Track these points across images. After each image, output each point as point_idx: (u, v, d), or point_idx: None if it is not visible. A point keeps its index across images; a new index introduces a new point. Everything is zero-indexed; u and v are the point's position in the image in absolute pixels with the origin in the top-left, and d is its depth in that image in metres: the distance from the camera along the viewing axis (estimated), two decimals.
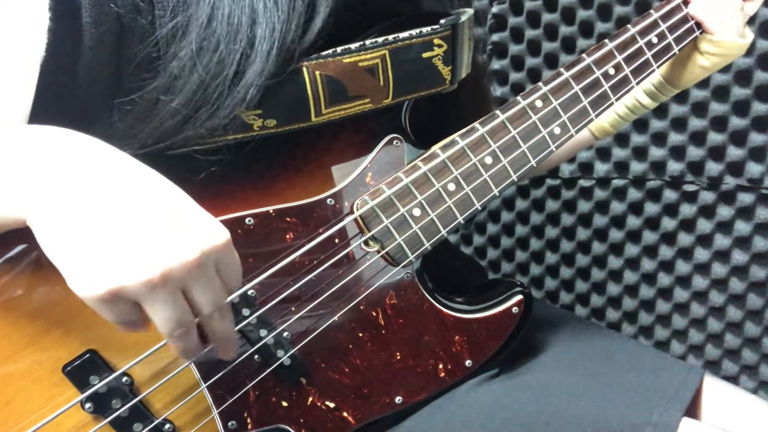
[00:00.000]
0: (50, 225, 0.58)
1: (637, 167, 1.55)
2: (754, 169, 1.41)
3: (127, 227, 0.58)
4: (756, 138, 1.39)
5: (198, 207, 0.63)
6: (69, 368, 0.68)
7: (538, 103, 0.86)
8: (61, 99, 0.69)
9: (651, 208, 1.56)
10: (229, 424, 0.75)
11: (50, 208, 0.58)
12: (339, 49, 0.77)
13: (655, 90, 1.05)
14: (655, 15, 0.93)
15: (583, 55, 0.89)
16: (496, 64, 1.70)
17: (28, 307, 0.67)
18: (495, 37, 1.68)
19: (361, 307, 0.81)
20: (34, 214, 0.58)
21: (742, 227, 1.45)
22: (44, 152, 0.60)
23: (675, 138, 1.49)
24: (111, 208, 0.58)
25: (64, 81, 0.68)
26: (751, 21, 1.27)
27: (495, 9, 1.66)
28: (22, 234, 0.60)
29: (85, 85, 0.69)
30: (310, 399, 0.80)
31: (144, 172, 0.62)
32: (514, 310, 0.87)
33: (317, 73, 0.75)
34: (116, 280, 0.57)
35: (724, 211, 1.47)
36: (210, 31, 0.70)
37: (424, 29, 0.81)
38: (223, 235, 0.63)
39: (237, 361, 0.74)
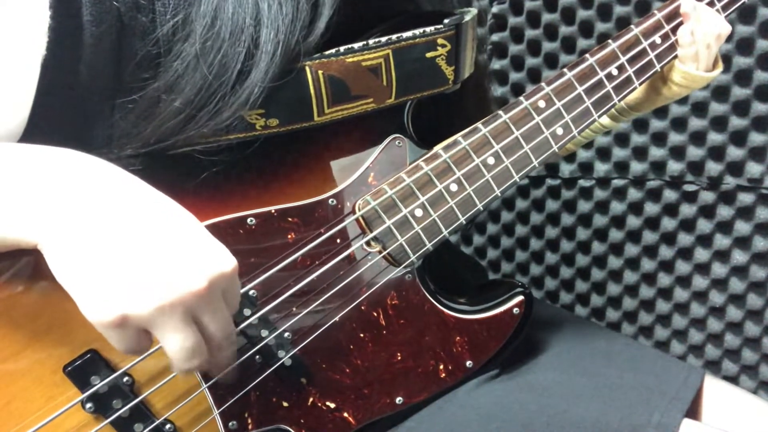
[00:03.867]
0: (62, 251, 0.58)
1: (637, 167, 1.55)
2: (754, 169, 1.40)
3: (138, 254, 0.59)
4: (756, 138, 1.39)
5: (207, 233, 0.64)
6: (70, 368, 0.68)
7: (541, 104, 0.86)
8: (62, 97, 0.69)
9: (651, 208, 1.56)
10: (230, 424, 0.75)
11: (62, 235, 0.58)
12: (342, 49, 0.76)
13: (616, 112, 1.02)
14: (658, 15, 0.93)
15: (587, 55, 0.89)
16: (496, 64, 1.70)
17: (28, 306, 0.67)
18: (495, 37, 1.68)
19: (363, 308, 0.81)
20: (46, 240, 0.59)
21: (742, 227, 1.44)
22: (57, 176, 0.60)
23: (675, 138, 1.48)
24: (122, 234, 0.59)
25: (65, 79, 0.68)
26: (750, 20, 1.27)
27: (495, 9, 1.66)
28: None
29: (86, 83, 0.69)
30: (311, 399, 0.80)
31: (154, 196, 0.63)
32: (515, 310, 0.87)
33: (320, 72, 0.75)
34: (126, 306, 0.58)
35: (724, 211, 1.46)
36: (214, 31, 0.71)
37: (428, 29, 0.81)
38: (231, 262, 0.63)
39: (238, 362, 0.74)
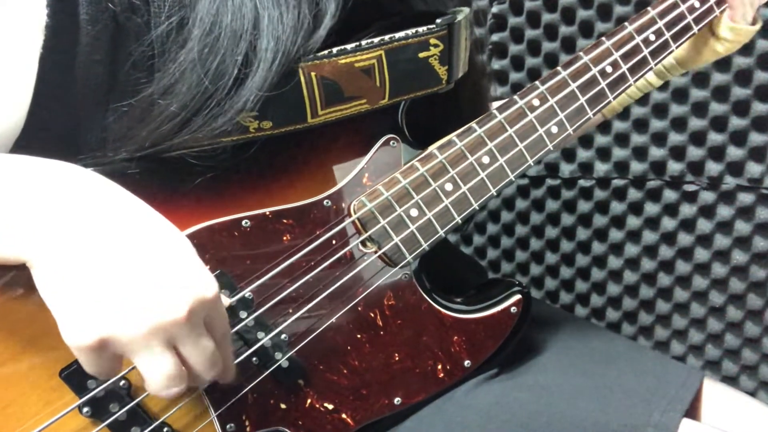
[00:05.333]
0: (50, 270, 0.58)
1: (637, 167, 1.55)
2: (754, 169, 1.40)
3: (121, 279, 0.58)
4: (756, 138, 1.39)
5: (193, 257, 0.63)
6: (66, 372, 0.68)
7: (536, 102, 0.86)
8: (56, 97, 0.69)
9: (651, 208, 1.56)
10: (228, 426, 0.75)
11: (52, 254, 0.58)
12: (335, 50, 0.76)
13: (664, 69, 1.06)
14: (652, 12, 0.92)
15: (580, 53, 0.89)
16: (496, 64, 1.70)
17: (25, 310, 0.67)
18: (495, 37, 1.68)
19: (359, 309, 0.81)
20: (35, 259, 0.59)
21: (742, 227, 1.44)
22: (48, 193, 0.60)
23: (675, 138, 1.49)
24: (109, 258, 0.59)
25: (60, 78, 0.69)
26: None
27: (495, 9, 1.66)
28: None
29: (81, 83, 0.69)
30: (309, 401, 0.79)
31: (143, 215, 0.63)
32: (513, 309, 0.87)
33: (313, 74, 0.75)
34: (105, 329, 0.57)
35: (724, 211, 1.46)
36: (212, 37, 0.70)
37: (420, 29, 0.81)
38: (213, 288, 0.63)
39: (235, 364, 0.74)
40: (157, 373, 0.61)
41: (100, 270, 0.58)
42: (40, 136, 0.69)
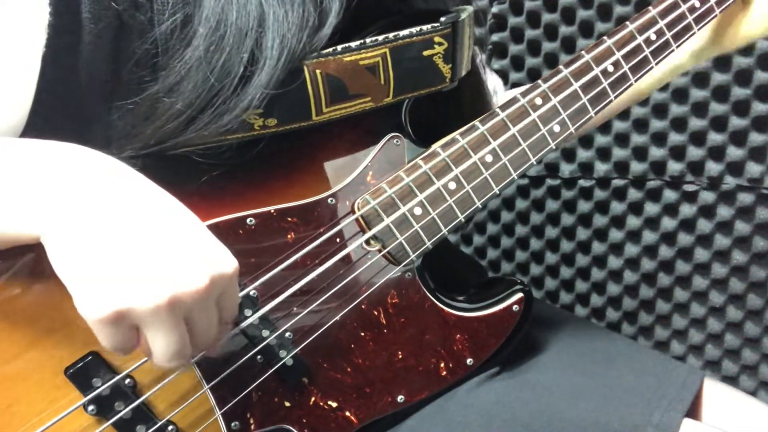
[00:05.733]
0: (64, 243, 0.58)
1: (637, 167, 1.55)
2: (754, 169, 1.41)
3: (139, 251, 0.58)
4: (756, 138, 1.39)
5: (209, 233, 0.63)
6: (71, 370, 0.68)
7: (538, 101, 0.86)
8: (59, 95, 0.69)
9: (651, 208, 1.56)
10: (232, 424, 0.75)
11: (65, 227, 0.58)
12: (339, 48, 0.76)
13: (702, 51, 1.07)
14: (653, 11, 0.92)
15: (582, 52, 0.89)
16: (496, 64, 1.70)
17: (29, 308, 0.67)
18: (495, 37, 1.69)
19: (363, 307, 0.81)
20: (48, 232, 0.58)
21: (742, 227, 1.45)
22: (60, 169, 0.60)
23: (675, 138, 1.49)
24: (125, 230, 0.58)
25: (63, 77, 0.68)
26: None
27: (495, 9, 1.66)
28: None
29: (84, 82, 0.69)
30: (313, 399, 0.80)
31: (158, 194, 0.63)
32: (515, 308, 0.87)
33: (318, 71, 0.75)
34: (124, 301, 0.57)
35: (724, 211, 1.46)
36: (218, 35, 0.70)
37: (425, 27, 0.81)
38: (232, 264, 0.63)
39: (239, 362, 0.74)
40: (167, 347, 0.60)
41: (115, 241, 0.57)
42: (42, 134, 0.69)
